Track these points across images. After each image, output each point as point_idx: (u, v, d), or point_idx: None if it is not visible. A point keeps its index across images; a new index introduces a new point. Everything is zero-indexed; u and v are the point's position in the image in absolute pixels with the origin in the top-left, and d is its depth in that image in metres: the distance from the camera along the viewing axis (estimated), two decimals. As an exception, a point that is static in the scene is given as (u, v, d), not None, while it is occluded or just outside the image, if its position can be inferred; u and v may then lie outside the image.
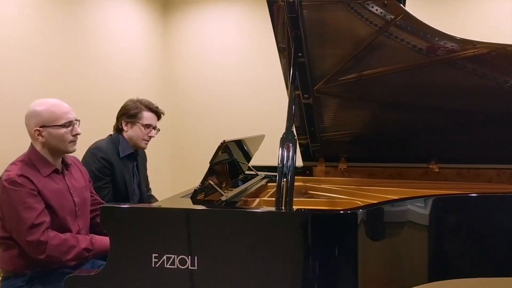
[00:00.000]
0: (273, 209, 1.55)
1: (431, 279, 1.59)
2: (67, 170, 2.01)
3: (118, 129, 2.51)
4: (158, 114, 2.57)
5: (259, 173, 2.55)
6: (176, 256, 1.46)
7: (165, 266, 1.46)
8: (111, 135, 2.52)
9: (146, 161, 2.79)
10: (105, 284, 1.51)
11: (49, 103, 1.91)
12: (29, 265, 1.84)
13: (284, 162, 1.57)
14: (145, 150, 2.70)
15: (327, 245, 1.43)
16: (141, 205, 1.64)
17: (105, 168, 2.36)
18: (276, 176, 2.55)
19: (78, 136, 1.95)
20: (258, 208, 1.57)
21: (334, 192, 2.21)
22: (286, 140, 1.62)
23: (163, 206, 1.60)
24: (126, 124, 2.48)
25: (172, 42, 4.45)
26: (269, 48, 4.25)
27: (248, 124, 4.31)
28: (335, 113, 2.61)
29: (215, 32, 4.37)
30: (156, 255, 1.47)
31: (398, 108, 2.54)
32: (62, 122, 1.89)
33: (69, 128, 1.91)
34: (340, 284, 1.43)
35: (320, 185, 2.38)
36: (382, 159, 2.75)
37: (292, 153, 1.58)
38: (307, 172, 2.77)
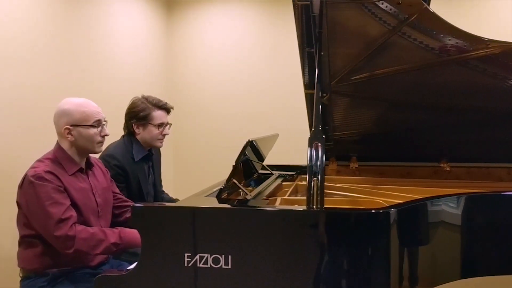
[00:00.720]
0: (305, 208, 1.55)
1: (463, 276, 1.62)
2: (90, 170, 2.01)
3: (129, 132, 2.46)
4: (167, 110, 2.52)
5: (273, 172, 2.55)
6: (209, 255, 1.45)
7: (198, 265, 1.46)
8: (123, 136, 2.49)
9: (160, 156, 2.76)
10: (136, 284, 1.50)
11: (80, 103, 1.92)
12: (53, 263, 1.83)
13: (314, 161, 1.58)
14: None
15: (360, 244, 1.44)
16: (172, 205, 1.63)
17: (119, 175, 2.33)
18: (288, 175, 2.63)
19: (104, 139, 1.97)
20: (290, 207, 1.58)
21: (352, 191, 2.21)
22: (314, 139, 1.62)
23: (191, 205, 1.59)
24: (137, 127, 2.43)
25: (176, 41, 4.42)
26: (274, 47, 4.28)
27: (253, 124, 4.30)
28: (346, 112, 2.63)
29: (219, 31, 4.35)
30: (189, 254, 1.47)
31: (409, 108, 2.56)
32: (92, 121, 1.90)
33: (99, 129, 1.92)
34: (373, 282, 1.44)
35: (336, 184, 2.39)
36: (393, 158, 2.77)
37: (321, 152, 1.59)
38: (319, 171, 2.78)
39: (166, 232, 1.49)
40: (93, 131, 1.90)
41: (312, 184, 1.54)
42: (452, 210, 1.64)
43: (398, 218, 1.47)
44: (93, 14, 3.11)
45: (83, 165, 1.97)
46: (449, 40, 2.12)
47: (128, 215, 2.17)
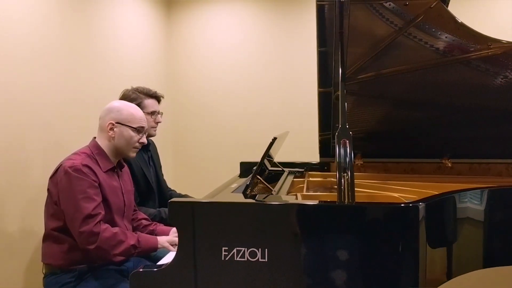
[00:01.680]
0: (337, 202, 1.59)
1: (485, 267, 1.69)
2: (121, 171, 2.04)
3: None
4: (158, 98, 2.60)
5: (285, 169, 2.60)
6: (246, 249, 1.49)
7: (235, 259, 1.49)
8: None
9: (156, 148, 2.80)
10: (173, 278, 1.52)
11: (131, 106, 2.02)
12: (81, 260, 1.85)
13: (342, 158, 1.63)
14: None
15: (390, 238, 1.48)
16: (210, 200, 1.66)
17: None
18: (297, 171, 2.68)
19: (141, 145, 2.03)
20: (323, 202, 1.62)
21: (363, 187, 2.27)
22: (342, 136, 1.66)
23: (229, 200, 1.63)
24: None
25: (176, 40, 4.41)
26: (275, 46, 4.33)
27: (253, 122, 4.34)
28: (351, 110, 2.68)
29: (220, 31, 4.36)
30: (226, 248, 1.50)
31: (413, 106, 2.64)
32: (136, 125, 1.97)
33: (139, 135, 1.98)
34: (401, 276, 1.49)
35: (346, 180, 2.44)
36: (397, 155, 2.85)
37: (349, 148, 1.64)
38: (325, 168, 2.85)
39: (203, 227, 1.52)
40: (134, 134, 1.97)
41: (342, 180, 1.58)
42: (476, 203, 1.72)
43: (427, 212, 1.53)
44: (94, 13, 3.09)
45: (115, 164, 2.01)
46: (453, 40, 2.21)
47: (140, 222, 2.22)
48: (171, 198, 2.67)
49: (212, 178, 4.30)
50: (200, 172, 4.42)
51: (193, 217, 1.53)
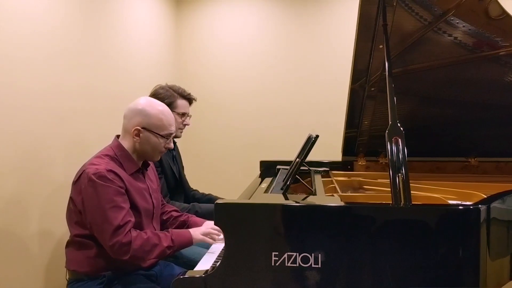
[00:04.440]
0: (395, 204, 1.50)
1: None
2: (146, 170, 1.92)
3: None
4: (191, 100, 2.50)
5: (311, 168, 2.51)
6: (298, 254, 1.39)
7: (286, 264, 1.39)
8: None
9: (178, 149, 2.73)
10: (219, 285, 1.42)
11: (162, 110, 1.84)
12: (108, 266, 1.73)
13: (395, 156, 1.54)
14: None
15: (450, 242, 1.40)
16: (258, 202, 1.55)
17: (156, 167, 2.27)
18: (321, 170, 2.59)
19: (166, 150, 1.91)
20: (378, 204, 1.53)
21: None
22: (393, 134, 1.58)
23: (278, 202, 1.52)
24: None
25: (185, 38, 4.28)
26: (287, 44, 4.23)
27: (264, 121, 4.24)
28: (374, 108, 2.61)
29: (230, 28, 4.24)
30: (276, 253, 1.40)
31: (439, 103, 2.58)
32: (164, 132, 1.83)
33: (167, 140, 1.85)
34: (462, 281, 1.41)
35: (376, 179, 2.36)
36: (421, 153, 2.77)
37: (402, 146, 1.55)
38: (348, 167, 2.76)
39: (251, 230, 1.41)
40: (161, 141, 1.83)
41: (397, 179, 1.50)
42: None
43: (487, 213, 1.45)
44: (104, 13, 2.99)
45: (140, 165, 1.89)
46: (483, 36, 2.14)
47: (170, 214, 2.12)
48: (193, 197, 2.63)
49: (220, 177, 4.22)
50: (209, 172, 4.30)
51: (240, 220, 1.43)
